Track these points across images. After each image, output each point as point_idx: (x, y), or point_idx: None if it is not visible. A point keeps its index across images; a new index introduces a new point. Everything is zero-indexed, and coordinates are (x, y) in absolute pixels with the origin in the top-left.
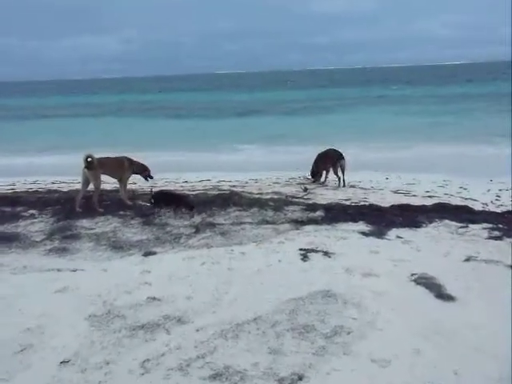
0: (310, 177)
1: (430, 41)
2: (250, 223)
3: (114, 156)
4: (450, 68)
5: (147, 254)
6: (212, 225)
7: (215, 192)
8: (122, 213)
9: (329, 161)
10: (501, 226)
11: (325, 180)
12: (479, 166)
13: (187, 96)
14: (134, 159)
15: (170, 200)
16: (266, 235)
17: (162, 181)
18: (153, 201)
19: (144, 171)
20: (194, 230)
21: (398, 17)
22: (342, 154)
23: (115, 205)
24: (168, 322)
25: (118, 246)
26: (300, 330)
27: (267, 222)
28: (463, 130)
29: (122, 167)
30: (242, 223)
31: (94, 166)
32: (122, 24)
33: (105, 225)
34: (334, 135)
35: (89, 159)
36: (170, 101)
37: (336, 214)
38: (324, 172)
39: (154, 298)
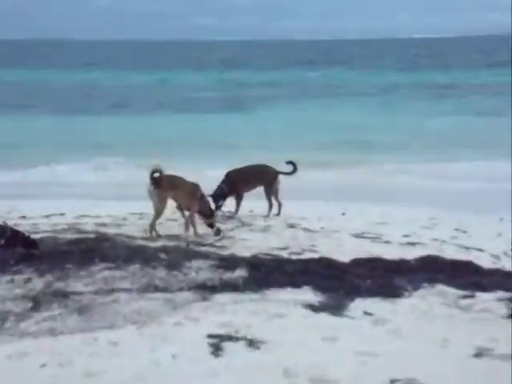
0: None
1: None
2: (128, 291)
3: (188, 180)
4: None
5: None
6: (63, 294)
7: (72, 236)
8: None
9: (256, 182)
10: None
11: (236, 211)
12: (481, 194)
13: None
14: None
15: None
16: (154, 311)
17: None
18: None
19: (211, 216)
20: (31, 305)
21: None
22: (277, 173)
23: None
24: None
25: None
26: None
27: (156, 289)
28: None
29: (194, 196)
30: (113, 291)
31: (161, 184)
32: None
33: None
34: (251, 141)
35: (155, 174)
36: None
37: (267, 273)
38: (236, 199)
39: None
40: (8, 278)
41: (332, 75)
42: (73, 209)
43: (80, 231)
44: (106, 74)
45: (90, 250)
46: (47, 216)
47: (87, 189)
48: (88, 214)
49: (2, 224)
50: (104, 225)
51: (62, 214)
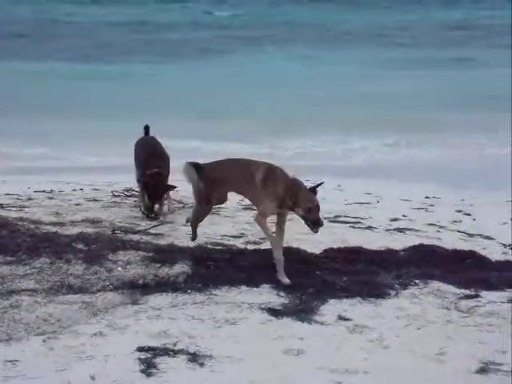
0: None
1: None
2: (33, 292)
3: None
4: None
5: None
6: None
7: None
8: None
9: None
10: None
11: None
12: (490, 166)
13: None
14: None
15: None
16: (68, 319)
17: None
18: None
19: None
20: None
21: None
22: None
23: None
24: None
25: None
26: None
27: (71, 290)
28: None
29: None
30: (13, 292)
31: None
32: None
33: None
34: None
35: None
36: None
37: (216, 268)
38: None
39: None
40: None
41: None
42: None
43: None
44: None
45: None
46: None
47: None
48: None
49: None
50: (1, 206)
51: None
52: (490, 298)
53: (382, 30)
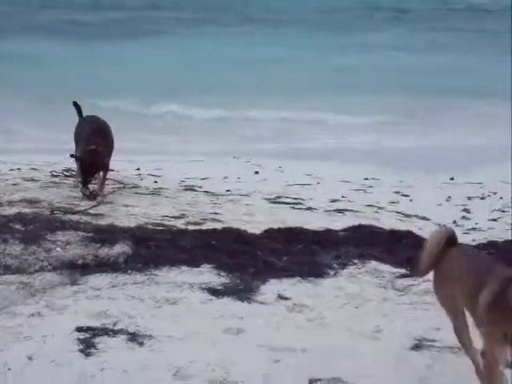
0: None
1: None
2: None
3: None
4: None
5: None
6: None
7: None
8: None
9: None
10: None
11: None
12: (428, 149)
13: None
14: None
15: None
16: (4, 299)
17: None
18: None
19: None
20: None
21: None
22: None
23: None
24: None
25: None
26: None
27: (8, 270)
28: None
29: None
30: None
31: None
32: None
33: None
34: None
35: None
36: None
37: (156, 248)
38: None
39: None
40: None
41: None
42: None
43: None
44: None
45: None
46: None
47: None
48: None
49: None
50: None
51: None
52: (425, 276)
53: (310, 14)
